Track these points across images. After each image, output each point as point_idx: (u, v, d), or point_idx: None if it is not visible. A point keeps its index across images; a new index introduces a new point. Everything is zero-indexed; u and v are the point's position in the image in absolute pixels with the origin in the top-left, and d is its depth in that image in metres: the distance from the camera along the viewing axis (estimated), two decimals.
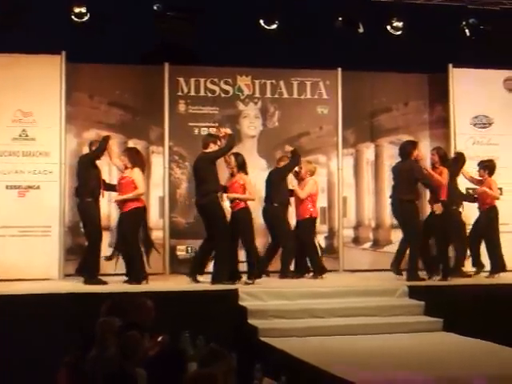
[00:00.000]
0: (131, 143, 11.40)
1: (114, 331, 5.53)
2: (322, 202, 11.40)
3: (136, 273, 9.43)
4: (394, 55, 11.07)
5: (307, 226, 10.54)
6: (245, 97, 11.86)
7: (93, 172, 9.74)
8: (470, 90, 11.77)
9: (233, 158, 9.97)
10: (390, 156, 11.74)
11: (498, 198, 10.69)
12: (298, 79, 11.99)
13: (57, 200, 10.47)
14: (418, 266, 9.98)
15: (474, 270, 10.65)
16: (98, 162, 9.87)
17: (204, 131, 11.50)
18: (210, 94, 11.73)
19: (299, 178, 10.72)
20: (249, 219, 9.82)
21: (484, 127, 11.97)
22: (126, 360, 5.14)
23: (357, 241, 12.01)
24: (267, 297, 8.95)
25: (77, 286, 9.31)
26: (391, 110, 12.33)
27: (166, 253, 11.14)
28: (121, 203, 9.65)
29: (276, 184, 10.42)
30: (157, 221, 11.38)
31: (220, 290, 9.00)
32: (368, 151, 12.13)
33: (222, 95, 11.78)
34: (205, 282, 9.37)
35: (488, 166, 10.80)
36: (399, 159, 10.24)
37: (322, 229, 11.62)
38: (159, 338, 5.94)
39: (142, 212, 9.66)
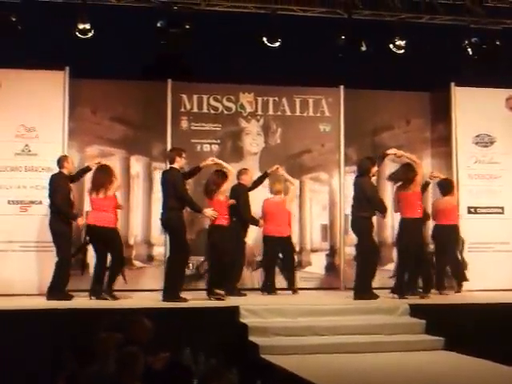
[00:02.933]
0: (133, 159, 11.43)
1: (115, 347, 5.53)
2: (323, 219, 11.40)
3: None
4: (397, 73, 11.13)
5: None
6: (247, 114, 11.90)
7: None
8: (472, 108, 11.80)
9: None
10: None
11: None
12: (300, 97, 12.03)
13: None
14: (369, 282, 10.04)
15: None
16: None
17: (206, 148, 11.54)
18: (212, 111, 11.76)
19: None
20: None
21: (486, 146, 11.99)
22: (125, 376, 5.12)
23: None
24: (268, 314, 8.92)
25: (78, 302, 9.31)
26: (393, 127, 12.36)
27: None
28: None
29: None
30: (159, 237, 11.38)
31: (221, 307, 9.00)
32: None
33: (225, 112, 11.81)
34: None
35: None
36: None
37: (323, 246, 11.61)
38: (163, 354, 5.93)
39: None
